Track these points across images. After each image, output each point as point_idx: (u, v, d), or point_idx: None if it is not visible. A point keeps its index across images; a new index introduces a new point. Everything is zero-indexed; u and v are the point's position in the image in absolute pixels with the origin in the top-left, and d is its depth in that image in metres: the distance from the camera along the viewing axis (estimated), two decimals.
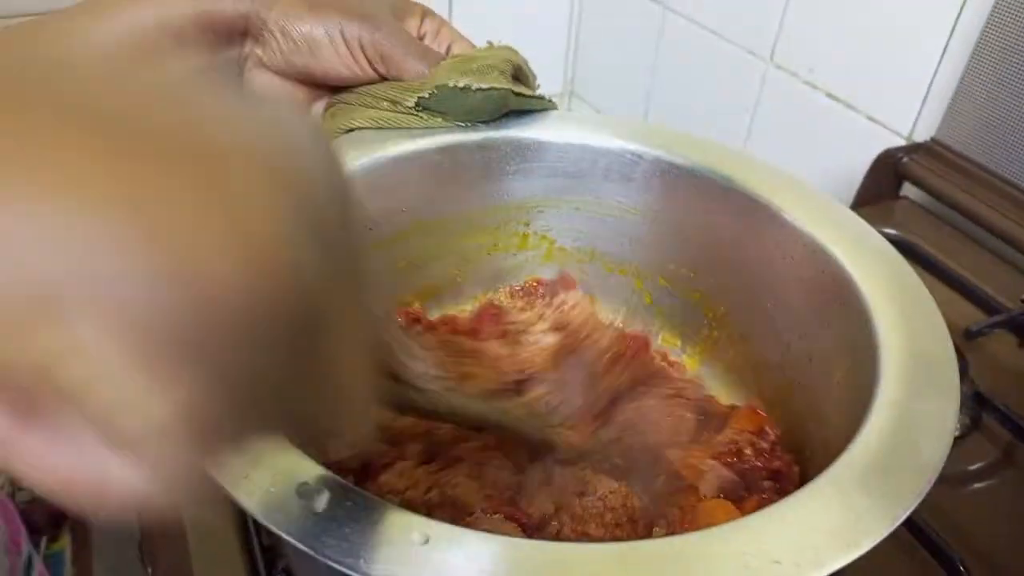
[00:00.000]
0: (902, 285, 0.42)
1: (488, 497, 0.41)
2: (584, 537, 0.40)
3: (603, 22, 1.14)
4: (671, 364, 0.54)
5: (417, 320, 0.54)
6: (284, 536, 0.28)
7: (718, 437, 0.46)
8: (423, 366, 0.33)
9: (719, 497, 0.43)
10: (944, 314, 0.40)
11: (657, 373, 0.51)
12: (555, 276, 0.58)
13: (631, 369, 0.50)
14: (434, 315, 0.56)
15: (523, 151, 0.52)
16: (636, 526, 0.42)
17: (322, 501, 0.29)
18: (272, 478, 0.29)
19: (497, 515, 0.40)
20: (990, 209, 0.68)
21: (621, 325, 0.56)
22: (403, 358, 0.32)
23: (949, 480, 0.51)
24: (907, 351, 0.37)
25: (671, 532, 0.42)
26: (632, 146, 0.52)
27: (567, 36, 1.18)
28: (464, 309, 0.57)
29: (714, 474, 0.43)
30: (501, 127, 0.52)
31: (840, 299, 0.43)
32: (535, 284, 0.57)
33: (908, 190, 0.75)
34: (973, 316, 0.62)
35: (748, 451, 0.45)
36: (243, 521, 0.47)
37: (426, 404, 0.35)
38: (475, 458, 0.44)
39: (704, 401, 0.50)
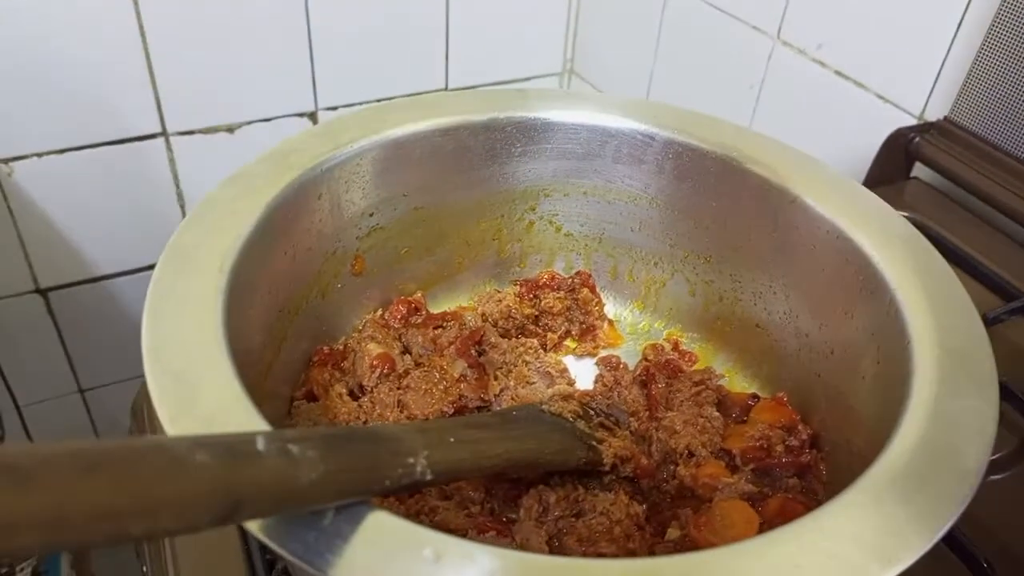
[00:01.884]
0: (931, 274, 0.40)
1: (470, 516, 0.40)
2: (600, 557, 0.38)
3: (603, 0, 1.11)
4: (682, 354, 0.52)
5: (417, 310, 0.52)
6: (286, 555, 0.26)
7: (747, 430, 0.44)
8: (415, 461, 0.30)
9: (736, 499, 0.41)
10: None
11: (676, 369, 0.50)
12: (566, 268, 0.56)
13: (665, 376, 0.48)
14: (436, 306, 0.54)
15: (530, 132, 0.50)
16: (645, 533, 0.40)
17: (328, 515, 0.27)
18: None
19: (490, 533, 0.39)
20: (1004, 190, 0.65)
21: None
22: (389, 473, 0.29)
23: None
24: (940, 344, 0.36)
25: (685, 534, 0.40)
26: (644, 127, 0.49)
27: (567, 13, 1.15)
28: (463, 306, 0.55)
29: (731, 491, 0.41)
30: (507, 107, 0.49)
31: (865, 287, 0.41)
32: (549, 279, 0.54)
33: (920, 170, 0.73)
34: (987, 301, 0.60)
35: (780, 448, 0.43)
36: None
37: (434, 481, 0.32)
38: None
39: (721, 391, 0.48)
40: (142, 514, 0.20)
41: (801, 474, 0.43)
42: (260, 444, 0.24)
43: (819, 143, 0.83)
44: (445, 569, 0.26)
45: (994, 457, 0.50)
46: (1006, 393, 0.52)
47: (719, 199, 0.49)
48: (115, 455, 0.20)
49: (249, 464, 0.24)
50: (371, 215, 0.48)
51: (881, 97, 0.77)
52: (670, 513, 0.42)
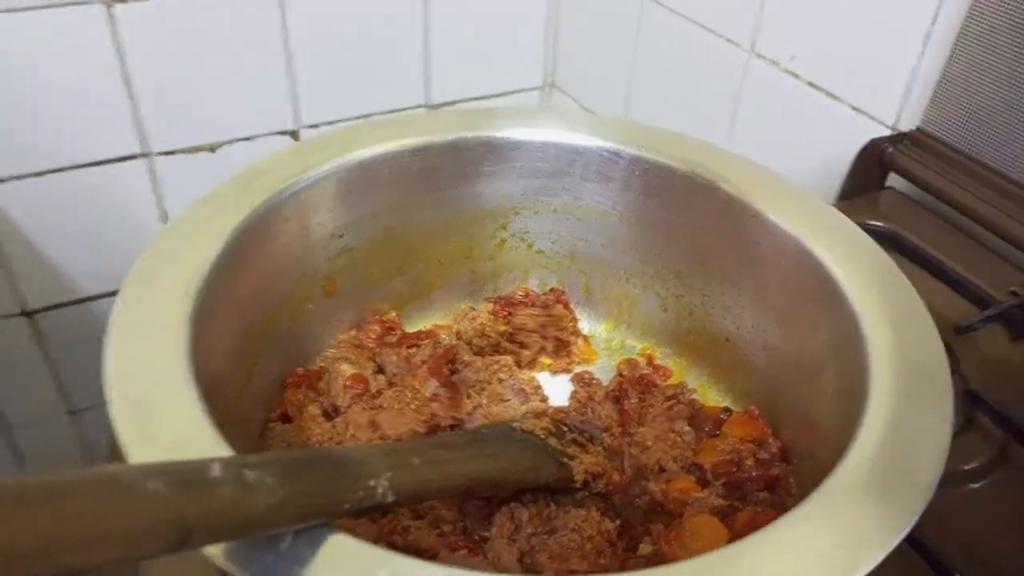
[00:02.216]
0: (892, 289, 0.40)
1: (441, 535, 0.40)
2: (571, 574, 0.38)
3: (582, 12, 1.12)
4: (656, 369, 0.52)
5: (392, 329, 0.52)
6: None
7: (719, 444, 0.44)
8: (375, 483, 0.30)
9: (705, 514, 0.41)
10: (932, 308, 0.38)
11: (649, 383, 0.50)
12: (540, 285, 0.56)
13: (638, 392, 0.49)
14: (412, 325, 0.54)
15: (498, 151, 0.50)
16: (616, 548, 0.40)
17: (286, 538, 0.27)
18: None
19: (462, 552, 0.39)
20: (977, 199, 0.66)
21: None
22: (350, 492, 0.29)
23: (942, 480, 0.50)
24: (899, 358, 0.36)
25: (656, 549, 0.41)
26: (610, 144, 0.50)
27: (545, 27, 1.15)
28: (438, 324, 0.55)
29: (701, 505, 0.41)
30: (474, 127, 0.50)
31: (827, 302, 0.41)
32: (523, 295, 0.54)
33: (894, 180, 0.74)
34: (962, 309, 0.61)
35: (750, 461, 0.43)
36: None
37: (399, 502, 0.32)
38: None
39: (694, 406, 0.48)
40: (92, 545, 0.20)
41: (771, 487, 0.44)
42: (216, 471, 0.25)
43: (795, 154, 0.84)
44: None
45: (970, 467, 0.51)
46: (979, 402, 0.52)
47: (686, 215, 0.49)
48: (62, 488, 0.20)
49: (202, 492, 0.24)
50: (340, 236, 0.49)
51: (854, 108, 0.78)
52: (642, 528, 0.43)
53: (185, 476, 0.24)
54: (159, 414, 0.31)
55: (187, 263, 0.38)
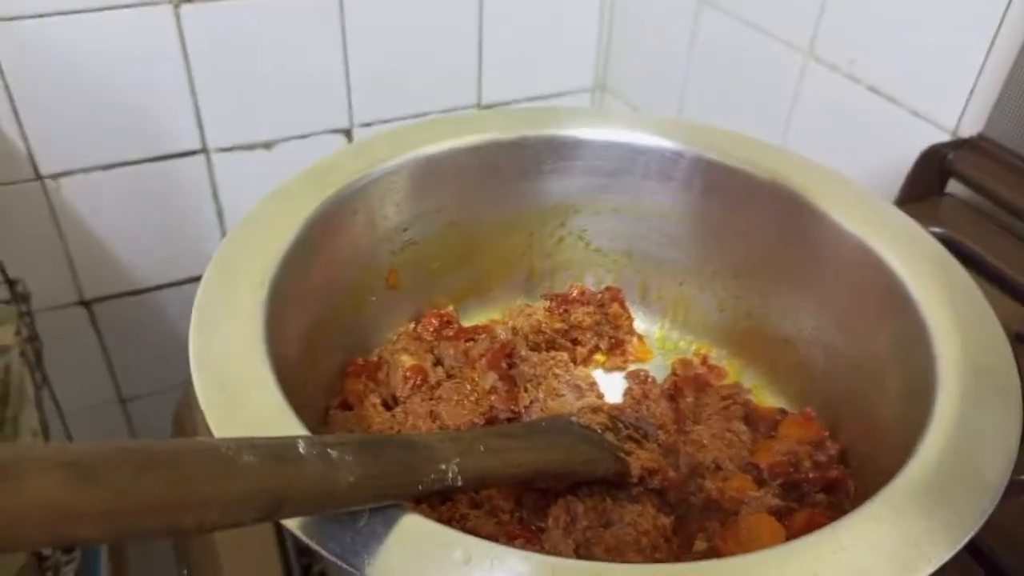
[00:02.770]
0: (957, 291, 0.40)
1: (499, 524, 0.41)
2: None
3: (636, 14, 1.12)
4: (711, 369, 0.52)
5: (449, 323, 0.53)
6: (324, 553, 0.27)
7: (775, 445, 0.44)
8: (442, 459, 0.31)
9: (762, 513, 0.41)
10: None
11: (704, 383, 0.50)
12: (596, 284, 0.57)
13: (693, 391, 0.49)
14: (468, 320, 0.55)
15: (559, 149, 0.51)
16: (672, 544, 0.41)
17: (363, 516, 0.28)
18: None
19: (519, 541, 0.39)
20: None
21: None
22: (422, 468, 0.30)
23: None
24: (965, 361, 0.36)
25: (712, 546, 0.41)
26: (672, 144, 0.50)
27: (598, 29, 1.16)
28: (494, 319, 0.56)
29: (758, 504, 0.42)
30: (537, 125, 0.50)
31: (892, 306, 0.41)
32: (580, 294, 0.55)
33: (954, 187, 0.73)
34: (1021, 317, 0.60)
35: (807, 463, 0.43)
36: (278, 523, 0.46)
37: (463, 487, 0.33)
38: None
39: (749, 406, 0.48)
40: (193, 509, 0.22)
41: (829, 489, 0.44)
42: (301, 448, 0.26)
43: (852, 159, 0.83)
44: (474, 570, 0.27)
45: None
46: None
47: (746, 215, 0.49)
48: (170, 454, 0.22)
49: (291, 466, 0.25)
50: (405, 230, 0.50)
51: (915, 113, 0.77)
52: (697, 526, 0.43)
53: (275, 451, 0.25)
54: (242, 396, 0.33)
55: (262, 254, 0.40)
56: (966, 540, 0.29)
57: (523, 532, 0.41)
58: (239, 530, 0.46)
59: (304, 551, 0.46)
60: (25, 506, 0.18)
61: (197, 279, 0.38)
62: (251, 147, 0.99)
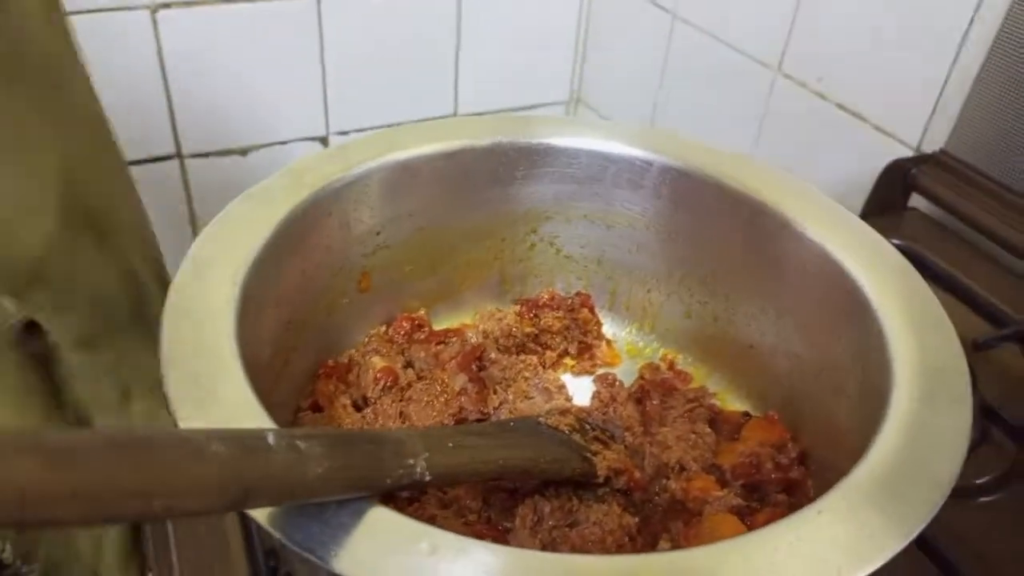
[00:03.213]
0: (914, 297, 0.41)
1: (466, 524, 0.41)
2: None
3: (611, 30, 1.14)
4: (677, 374, 0.53)
5: (420, 326, 0.54)
6: (290, 545, 0.28)
7: (739, 447, 0.45)
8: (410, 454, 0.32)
9: (724, 513, 0.42)
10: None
11: (670, 387, 0.51)
12: (566, 289, 0.58)
13: (660, 394, 0.50)
14: (439, 324, 0.56)
15: (532, 156, 0.52)
16: (636, 543, 0.41)
17: (331, 509, 0.29)
18: None
19: (486, 539, 0.40)
20: (998, 221, 0.67)
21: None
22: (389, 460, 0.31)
23: (957, 493, 0.50)
24: (920, 364, 0.37)
25: (676, 545, 0.42)
26: (642, 152, 0.51)
27: (575, 43, 1.17)
28: (465, 323, 0.56)
29: (720, 504, 0.43)
30: (510, 132, 0.51)
31: (851, 312, 0.42)
32: (550, 298, 0.56)
33: (917, 201, 0.75)
34: (981, 328, 0.62)
35: (769, 464, 0.44)
36: (245, 524, 0.47)
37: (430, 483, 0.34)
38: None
39: (714, 410, 0.49)
40: (162, 495, 0.22)
41: (789, 490, 0.45)
42: (271, 439, 0.26)
43: (819, 172, 0.85)
44: (440, 561, 0.27)
45: (984, 480, 0.52)
46: (995, 417, 0.53)
47: (714, 223, 0.51)
48: (142, 442, 0.22)
49: (260, 456, 0.25)
50: (378, 233, 0.50)
51: (879, 129, 0.79)
52: (661, 526, 0.44)
53: (244, 441, 0.26)
54: (212, 391, 0.33)
55: (236, 252, 0.40)
56: (917, 532, 0.30)
57: (490, 531, 0.42)
58: (205, 532, 0.46)
59: (271, 553, 0.46)
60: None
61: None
62: (227, 153, 0.99)
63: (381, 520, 0.29)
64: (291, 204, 0.44)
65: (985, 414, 0.53)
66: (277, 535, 0.28)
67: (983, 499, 0.50)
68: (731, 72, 0.94)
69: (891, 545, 0.29)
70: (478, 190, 0.52)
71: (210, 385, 0.33)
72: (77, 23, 0.82)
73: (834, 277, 0.44)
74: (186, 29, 0.88)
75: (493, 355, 0.51)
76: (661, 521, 0.44)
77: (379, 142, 0.49)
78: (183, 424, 0.31)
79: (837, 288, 0.44)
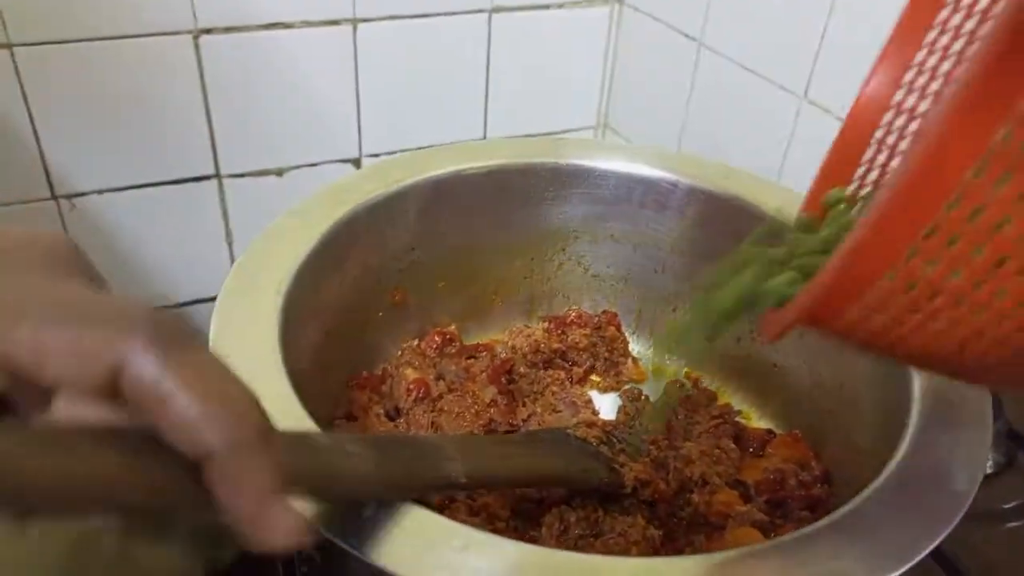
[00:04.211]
0: None
1: (495, 531, 0.42)
2: None
3: (638, 57, 1.16)
4: (702, 391, 0.54)
5: (451, 341, 0.55)
6: (335, 539, 0.29)
7: (763, 464, 0.46)
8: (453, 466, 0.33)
9: (747, 527, 0.43)
10: None
11: (696, 404, 0.52)
12: (593, 308, 0.59)
13: (685, 410, 0.51)
14: (469, 339, 0.57)
15: (562, 177, 0.54)
16: (660, 555, 0.42)
17: (370, 508, 0.30)
18: None
19: None
20: None
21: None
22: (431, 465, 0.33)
23: (983, 518, 0.50)
24: (939, 382, 0.38)
25: None
26: (668, 174, 0.53)
27: (602, 69, 1.19)
28: (494, 338, 0.58)
29: (743, 518, 0.43)
30: (542, 154, 0.53)
31: None
32: (577, 316, 0.57)
33: None
34: None
35: (792, 481, 0.45)
36: None
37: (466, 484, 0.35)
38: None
39: (739, 427, 0.50)
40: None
41: (812, 507, 0.45)
42: (323, 439, 0.28)
43: None
44: (471, 556, 0.29)
45: (1011, 505, 0.52)
46: (1021, 442, 0.53)
47: (737, 244, 0.52)
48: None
49: (311, 452, 0.27)
50: (412, 250, 0.52)
51: None
52: (685, 539, 0.45)
53: (298, 439, 0.27)
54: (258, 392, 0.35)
55: (280, 265, 0.42)
56: (934, 545, 0.31)
57: (517, 538, 0.43)
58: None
59: (305, 559, 0.47)
60: None
61: (200, 301, 0.40)
62: (263, 173, 1.02)
63: (417, 518, 0.30)
64: (331, 220, 0.46)
65: (1012, 439, 0.53)
66: (323, 529, 0.30)
67: (1011, 524, 0.51)
68: (757, 99, 0.95)
69: (908, 556, 0.30)
70: (510, 210, 0.54)
71: (257, 389, 0.35)
72: (123, 47, 0.85)
73: None
74: (227, 54, 0.91)
75: (522, 369, 0.52)
76: (685, 534, 0.45)
77: (415, 162, 0.51)
78: None
79: None
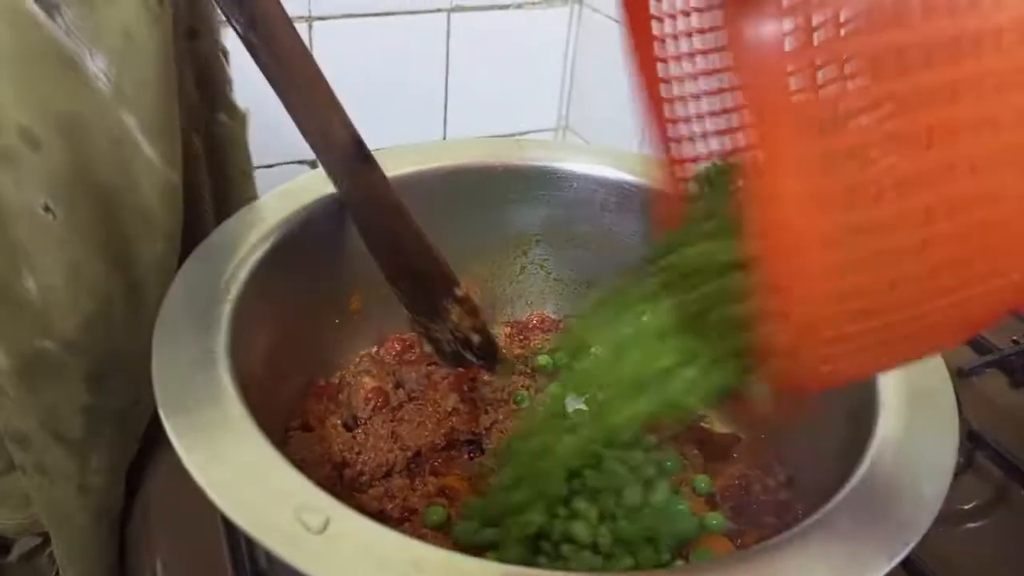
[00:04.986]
0: None
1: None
2: None
3: (598, 58, 1.16)
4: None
5: (411, 347, 0.54)
6: (282, 558, 0.27)
7: (728, 469, 0.46)
8: None
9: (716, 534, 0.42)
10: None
11: None
12: (556, 312, 0.58)
13: None
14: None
15: (524, 179, 0.53)
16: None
17: (318, 520, 0.29)
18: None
19: None
20: None
21: None
22: None
23: (943, 519, 0.50)
24: (906, 387, 0.38)
25: None
26: (630, 177, 0.52)
27: (562, 71, 1.19)
28: None
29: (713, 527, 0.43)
30: (502, 155, 0.52)
31: None
32: (539, 321, 0.57)
33: None
34: (965, 356, 0.63)
35: (758, 487, 0.45)
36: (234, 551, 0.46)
37: None
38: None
39: (703, 432, 0.50)
40: None
41: (778, 513, 0.45)
42: None
43: None
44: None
45: (970, 506, 0.52)
46: (980, 443, 0.54)
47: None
48: None
49: None
50: (369, 254, 0.51)
51: None
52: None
53: None
54: (205, 407, 0.33)
55: (229, 269, 0.40)
56: (906, 552, 0.30)
57: None
58: (192, 557, 0.45)
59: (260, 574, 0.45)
60: None
61: None
62: None
63: (370, 535, 0.29)
64: (284, 223, 0.44)
65: (971, 440, 0.54)
66: (271, 548, 0.28)
67: (969, 525, 0.51)
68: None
69: (880, 564, 0.29)
70: (469, 212, 0.53)
71: (204, 401, 0.33)
72: None
73: None
74: None
75: (484, 376, 0.51)
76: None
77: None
78: (174, 439, 0.31)
79: None
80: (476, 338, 0.50)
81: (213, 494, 0.29)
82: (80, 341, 0.39)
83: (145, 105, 0.36)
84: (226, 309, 0.39)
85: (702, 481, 0.44)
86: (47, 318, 0.37)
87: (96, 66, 0.35)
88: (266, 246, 0.42)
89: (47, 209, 0.35)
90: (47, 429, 0.40)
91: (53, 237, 0.36)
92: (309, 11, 0.96)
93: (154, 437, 0.46)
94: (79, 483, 0.42)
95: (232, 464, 0.31)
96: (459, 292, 0.48)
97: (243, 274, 0.41)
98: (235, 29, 0.36)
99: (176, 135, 0.39)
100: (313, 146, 0.40)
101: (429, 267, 0.48)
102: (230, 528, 0.42)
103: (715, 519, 0.42)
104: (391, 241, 0.46)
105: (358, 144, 0.41)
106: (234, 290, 0.40)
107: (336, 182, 0.43)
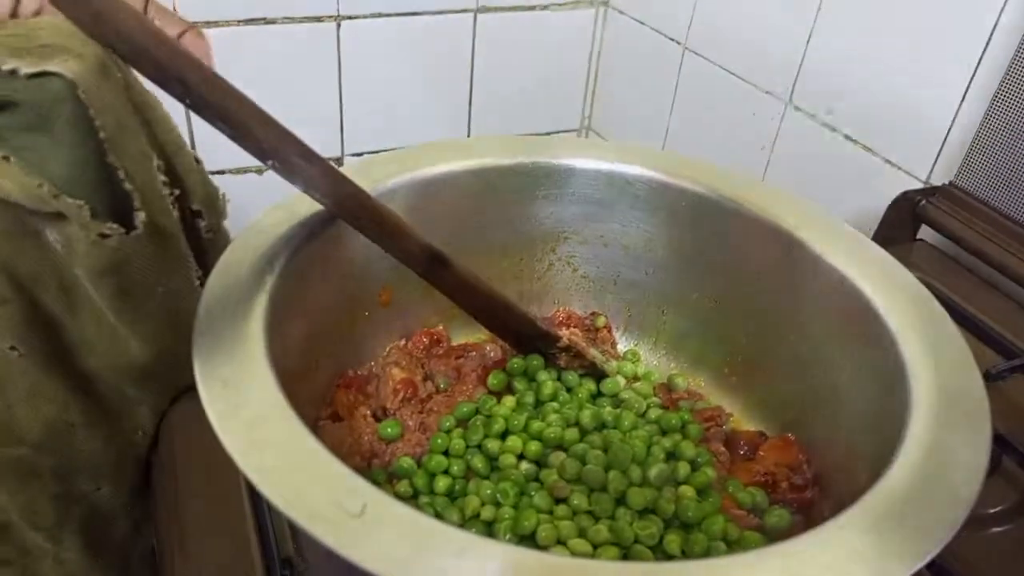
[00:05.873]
0: (931, 321, 0.42)
1: None
2: None
3: (622, 60, 1.16)
4: (691, 394, 0.54)
5: (439, 341, 0.54)
6: (323, 541, 0.28)
7: (754, 467, 0.46)
8: None
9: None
10: None
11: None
12: (582, 308, 0.58)
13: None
14: (457, 339, 0.56)
15: (553, 177, 0.53)
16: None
17: (357, 505, 0.29)
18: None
19: None
20: (1007, 253, 0.68)
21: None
22: None
23: (968, 523, 0.50)
24: (936, 384, 0.38)
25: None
26: (660, 175, 0.52)
27: (586, 71, 1.19)
28: (482, 338, 0.57)
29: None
30: (533, 152, 0.52)
31: (869, 334, 0.43)
32: (565, 317, 0.57)
33: (925, 232, 0.76)
34: (990, 359, 0.62)
35: (784, 484, 0.45)
36: (262, 534, 0.47)
37: None
38: None
39: (730, 430, 0.50)
40: None
41: (804, 511, 0.45)
42: None
43: (828, 203, 0.85)
44: (466, 559, 0.28)
45: (996, 510, 0.52)
46: (1007, 447, 0.53)
47: (729, 246, 0.51)
48: None
49: None
50: None
51: (888, 161, 0.80)
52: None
53: None
54: (243, 393, 0.33)
55: (264, 262, 0.41)
56: (939, 549, 0.30)
57: None
58: (221, 542, 0.46)
59: (285, 562, 0.46)
60: None
61: None
62: (243, 171, 1.00)
63: (408, 520, 0.29)
64: (317, 216, 0.45)
65: (998, 444, 0.53)
66: (311, 532, 0.28)
67: (995, 529, 0.51)
68: (741, 103, 0.95)
69: (912, 562, 0.29)
70: (500, 209, 0.53)
71: (241, 387, 0.34)
72: None
73: (850, 298, 0.45)
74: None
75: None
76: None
77: (404, 159, 0.50)
78: (215, 424, 0.32)
79: (853, 310, 0.44)
80: (583, 371, 0.52)
81: (256, 479, 0.30)
82: (46, 443, 0.45)
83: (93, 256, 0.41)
84: (263, 299, 0.39)
85: (757, 495, 0.45)
86: (16, 429, 0.44)
87: (52, 236, 0.41)
88: (300, 238, 0.43)
89: (12, 348, 0.42)
90: (25, 520, 0.46)
91: (17, 369, 0.43)
92: (338, 10, 0.97)
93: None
94: (54, 556, 0.48)
95: (273, 451, 0.31)
96: (563, 343, 0.51)
97: (279, 265, 0.41)
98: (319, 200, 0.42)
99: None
100: (399, 262, 0.45)
101: (530, 331, 0.51)
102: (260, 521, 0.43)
103: (777, 513, 0.44)
104: (488, 316, 0.50)
105: (431, 256, 0.45)
106: (270, 280, 0.40)
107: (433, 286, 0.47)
